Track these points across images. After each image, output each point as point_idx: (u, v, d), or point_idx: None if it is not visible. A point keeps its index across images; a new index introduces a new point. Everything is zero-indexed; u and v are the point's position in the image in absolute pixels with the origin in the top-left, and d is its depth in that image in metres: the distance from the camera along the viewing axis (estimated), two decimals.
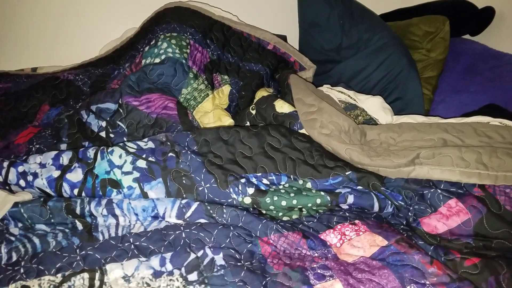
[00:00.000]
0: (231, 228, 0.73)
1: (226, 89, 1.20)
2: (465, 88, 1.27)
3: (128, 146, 0.83)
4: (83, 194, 0.76)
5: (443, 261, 0.71)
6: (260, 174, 0.84)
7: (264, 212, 0.81)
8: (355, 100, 1.09)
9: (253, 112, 1.04)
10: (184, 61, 1.12)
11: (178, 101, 1.06)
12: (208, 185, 0.79)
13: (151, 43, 1.17)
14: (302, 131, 0.95)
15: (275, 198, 0.80)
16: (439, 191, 0.81)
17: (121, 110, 1.00)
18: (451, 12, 1.39)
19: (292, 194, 0.81)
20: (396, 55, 1.27)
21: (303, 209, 0.82)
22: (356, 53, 1.29)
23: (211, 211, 0.75)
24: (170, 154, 0.82)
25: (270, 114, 1.00)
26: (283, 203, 0.80)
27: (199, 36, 1.20)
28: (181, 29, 1.18)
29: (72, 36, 1.45)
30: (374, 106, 1.07)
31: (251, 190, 0.79)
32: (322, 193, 0.82)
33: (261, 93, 1.09)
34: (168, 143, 0.84)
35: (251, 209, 0.80)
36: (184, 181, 0.79)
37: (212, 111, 1.12)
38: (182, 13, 1.23)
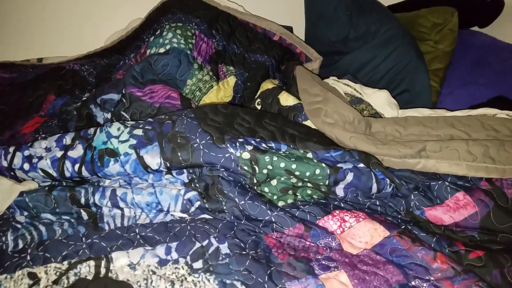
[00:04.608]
0: (235, 223, 0.73)
1: (231, 80, 1.19)
2: (473, 80, 1.26)
3: (127, 122, 0.84)
4: (83, 169, 0.76)
5: (447, 253, 0.70)
6: (258, 139, 0.81)
7: (260, 192, 0.80)
8: (361, 93, 1.08)
9: (258, 107, 1.04)
10: (189, 52, 1.11)
11: (181, 93, 1.06)
12: (203, 142, 0.77)
13: (156, 33, 1.16)
14: (307, 122, 0.94)
15: (275, 158, 0.77)
16: (446, 183, 0.80)
17: (124, 100, 1.00)
18: (460, 3, 1.37)
19: (292, 159, 0.78)
20: (404, 46, 1.26)
21: (298, 194, 0.82)
22: (363, 45, 1.28)
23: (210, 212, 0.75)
24: (167, 122, 0.82)
25: (275, 108, 0.99)
26: (282, 164, 0.77)
27: (204, 26, 1.19)
28: (187, 19, 1.18)
29: (78, 26, 1.44)
30: (380, 100, 1.06)
31: (249, 147, 0.77)
32: (323, 164, 0.79)
33: (267, 85, 1.08)
34: (166, 117, 0.85)
35: (248, 187, 0.79)
36: (179, 140, 0.78)
37: None
38: (188, 3, 1.22)
